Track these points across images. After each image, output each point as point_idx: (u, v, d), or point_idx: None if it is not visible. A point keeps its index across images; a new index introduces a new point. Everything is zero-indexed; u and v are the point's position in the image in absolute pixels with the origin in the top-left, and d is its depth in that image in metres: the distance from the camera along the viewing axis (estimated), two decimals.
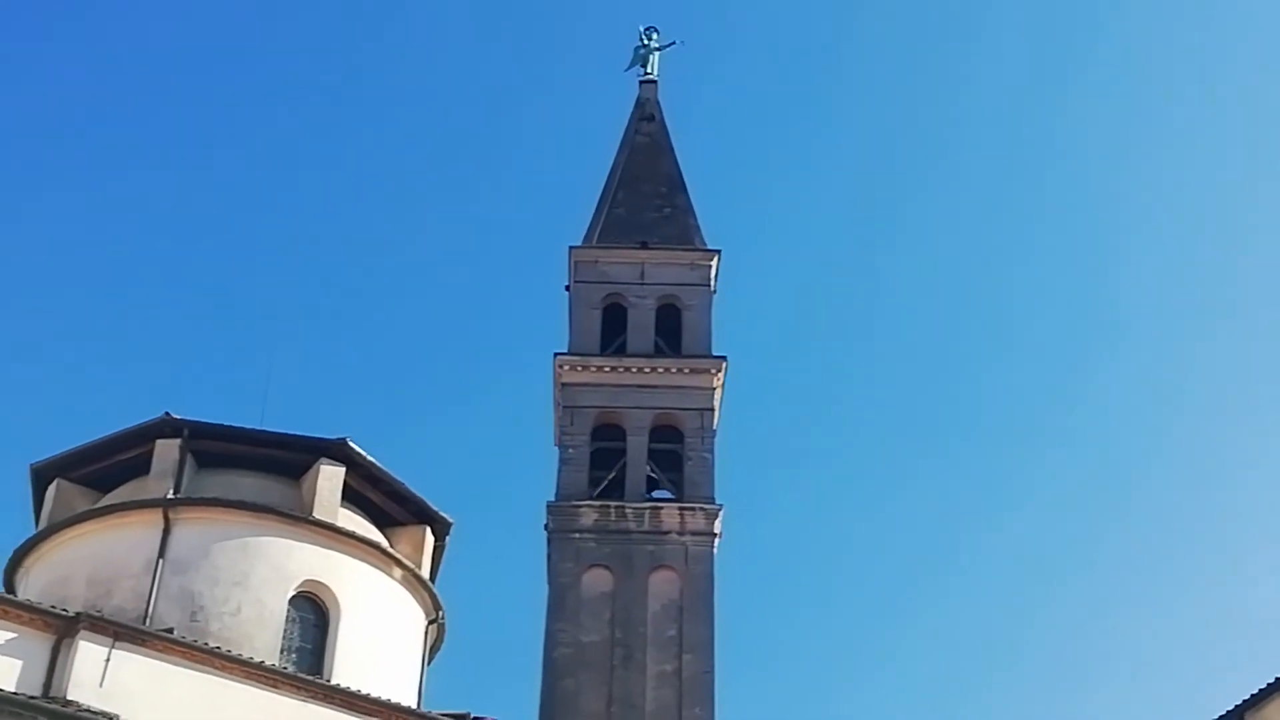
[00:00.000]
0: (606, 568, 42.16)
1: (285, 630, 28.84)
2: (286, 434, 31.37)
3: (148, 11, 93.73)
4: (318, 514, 30.17)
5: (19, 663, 24.57)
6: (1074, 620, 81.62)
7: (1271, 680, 26.79)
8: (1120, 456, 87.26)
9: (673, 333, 46.83)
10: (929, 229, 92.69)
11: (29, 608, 25.55)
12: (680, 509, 43.09)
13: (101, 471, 31.51)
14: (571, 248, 48.42)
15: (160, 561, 28.50)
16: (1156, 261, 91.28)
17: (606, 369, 45.53)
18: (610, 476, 44.25)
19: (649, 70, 54.08)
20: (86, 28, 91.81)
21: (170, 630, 26.73)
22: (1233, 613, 79.06)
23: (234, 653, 26.77)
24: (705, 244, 48.75)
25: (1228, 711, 27.71)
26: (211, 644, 26.83)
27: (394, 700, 28.27)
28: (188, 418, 30.64)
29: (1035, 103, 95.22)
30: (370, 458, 31.76)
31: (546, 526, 43.07)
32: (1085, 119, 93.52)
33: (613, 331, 46.81)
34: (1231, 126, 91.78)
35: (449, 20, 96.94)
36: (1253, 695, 27.07)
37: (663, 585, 41.92)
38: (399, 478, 32.62)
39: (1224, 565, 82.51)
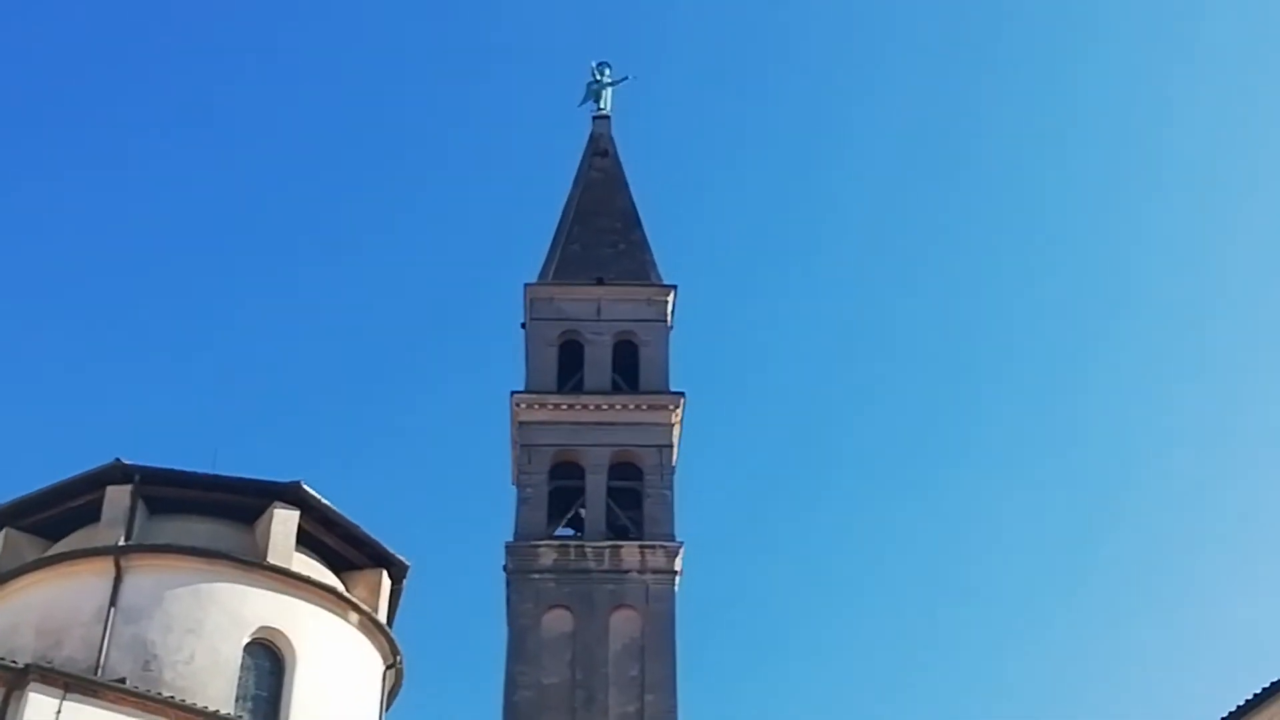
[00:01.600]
0: (567, 608, 41.83)
1: (240, 678, 28.48)
2: (239, 478, 31.08)
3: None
4: (272, 559, 29.84)
5: None
6: (1058, 647, 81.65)
7: (1254, 694, 26.80)
8: (1113, 469, 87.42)
9: (630, 369, 46.67)
10: (887, 260, 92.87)
11: None
12: (640, 547, 42.82)
13: (51, 519, 31.09)
14: (527, 285, 48.25)
15: (112, 610, 28.12)
16: (1154, 269, 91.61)
17: (564, 407, 45.33)
18: (569, 515, 44.03)
19: (602, 105, 54.12)
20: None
21: (123, 680, 26.43)
22: (1227, 624, 79.43)
23: (188, 702, 26.48)
24: (661, 279, 48.68)
25: None
26: (165, 693, 26.53)
27: None
28: (139, 463, 30.31)
29: (1014, 109, 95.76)
30: (325, 500, 31.48)
31: (505, 567, 42.73)
32: (1076, 116, 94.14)
33: (569, 369, 46.62)
34: (1230, 129, 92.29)
35: (402, 53, 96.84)
36: (1238, 707, 27.05)
37: (624, 624, 41.62)
38: (354, 520, 32.34)
39: (1216, 578, 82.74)
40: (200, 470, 30.97)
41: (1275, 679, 26.42)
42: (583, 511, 44.02)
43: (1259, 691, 26.63)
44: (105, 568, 28.68)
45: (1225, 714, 27.22)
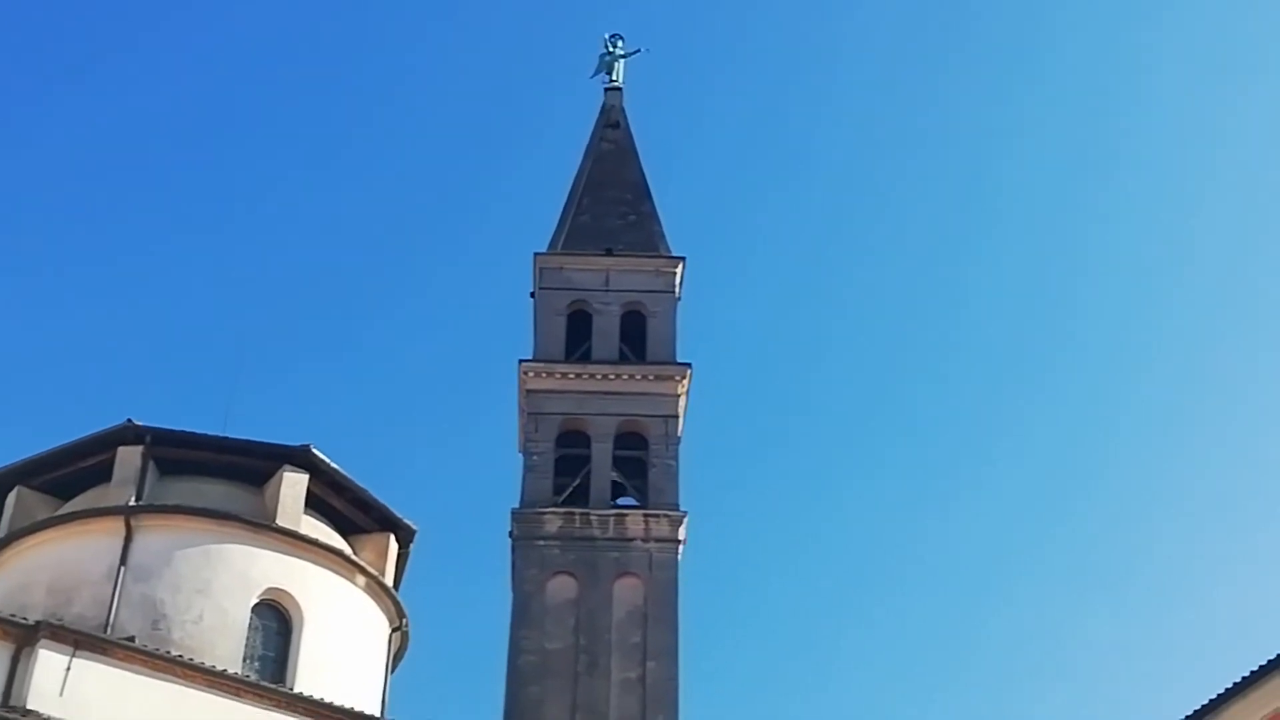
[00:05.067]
0: (571, 575, 42.08)
1: (248, 638, 28.77)
2: (249, 441, 31.32)
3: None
4: (281, 521, 30.09)
5: None
6: (1033, 622, 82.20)
7: (1225, 688, 26.91)
8: (1077, 455, 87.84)
9: (637, 340, 46.82)
10: (892, 235, 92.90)
11: None
12: (645, 515, 43.04)
13: (63, 479, 31.35)
14: (536, 254, 48.38)
15: (122, 569, 28.40)
16: (1112, 261, 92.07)
17: (571, 376, 45.50)
18: (575, 483, 44.19)
19: (614, 77, 54.12)
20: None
21: (132, 638, 26.64)
22: (1192, 615, 79.98)
23: (196, 661, 26.73)
24: (670, 251, 48.77)
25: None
26: (173, 652, 26.77)
27: (357, 708, 28.25)
28: (150, 424, 30.54)
29: (1004, 106, 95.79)
30: (334, 464, 31.72)
31: (511, 533, 42.99)
32: (1045, 119, 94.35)
33: (577, 338, 46.78)
34: (1190, 133, 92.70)
35: (415, 26, 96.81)
36: (1209, 701, 27.18)
37: (627, 592, 41.87)
38: (363, 484, 32.60)
39: (1182, 566, 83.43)
40: (211, 432, 31.26)
41: (1247, 671, 26.54)
42: (589, 479, 44.26)
43: (1235, 682, 26.74)
44: (116, 527, 28.95)
45: (1201, 704, 27.35)
